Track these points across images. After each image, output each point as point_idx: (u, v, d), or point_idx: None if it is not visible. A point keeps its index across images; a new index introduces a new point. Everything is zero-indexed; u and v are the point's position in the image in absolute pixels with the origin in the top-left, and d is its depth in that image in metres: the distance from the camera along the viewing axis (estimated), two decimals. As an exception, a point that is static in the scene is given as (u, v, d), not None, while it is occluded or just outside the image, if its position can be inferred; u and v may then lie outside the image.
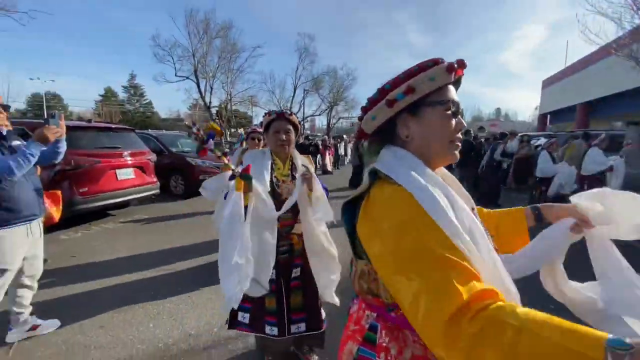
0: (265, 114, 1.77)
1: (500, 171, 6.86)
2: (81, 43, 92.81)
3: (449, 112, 0.69)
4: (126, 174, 5.25)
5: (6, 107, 1.95)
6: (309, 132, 36.29)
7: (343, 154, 17.03)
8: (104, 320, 2.36)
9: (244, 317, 1.71)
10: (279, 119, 1.70)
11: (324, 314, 1.79)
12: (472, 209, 0.74)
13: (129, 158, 5.32)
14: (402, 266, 0.56)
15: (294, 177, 1.74)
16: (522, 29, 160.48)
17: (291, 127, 1.74)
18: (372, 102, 0.72)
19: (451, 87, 0.71)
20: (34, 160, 1.87)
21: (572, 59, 21.85)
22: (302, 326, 1.70)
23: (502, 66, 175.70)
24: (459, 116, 0.72)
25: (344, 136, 20.95)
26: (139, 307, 2.53)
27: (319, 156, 12.63)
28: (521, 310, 0.47)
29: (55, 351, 2.01)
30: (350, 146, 19.61)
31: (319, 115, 34.64)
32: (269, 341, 1.69)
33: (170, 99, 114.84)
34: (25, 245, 1.98)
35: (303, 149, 11.09)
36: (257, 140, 2.88)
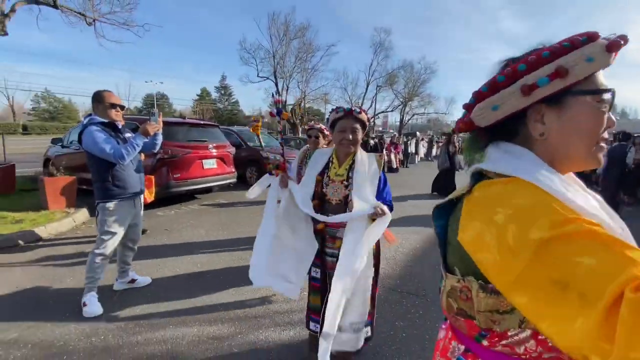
0: (332, 110, 1.68)
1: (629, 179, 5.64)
2: (183, 49, 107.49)
3: (604, 105, 0.53)
4: (210, 164, 6.05)
5: (122, 107, 2.50)
6: (380, 128, 35.59)
7: (414, 151, 16.36)
8: (182, 282, 2.85)
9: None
10: (346, 117, 1.61)
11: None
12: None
13: (213, 150, 6.10)
14: (543, 256, 0.41)
15: (349, 177, 1.65)
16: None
17: (359, 126, 1.64)
18: (493, 86, 0.56)
19: (602, 73, 0.55)
20: (138, 148, 2.38)
21: None
22: None
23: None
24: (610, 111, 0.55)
25: (417, 133, 20.05)
26: (209, 276, 2.98)
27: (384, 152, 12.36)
28: None
29: (145, 302, 2.52)
30: (422, 144, 18.76)
31: (392, 111, 33.73)
32: (313, 337, 1.77)
33: (253, 97, 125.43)
34: (130, 215, 2.52)
35: (363, 146, 10.97)
36: (314, 138, 2.75)
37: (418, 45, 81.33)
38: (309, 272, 1.75)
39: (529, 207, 0.46)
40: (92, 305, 2.31)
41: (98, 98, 2.33)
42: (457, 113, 35.77)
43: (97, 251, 2.34)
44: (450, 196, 0.62)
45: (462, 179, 5.50)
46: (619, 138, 5.98)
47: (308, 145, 2.82)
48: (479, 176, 0.58)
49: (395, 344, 2.09)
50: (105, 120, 2.33)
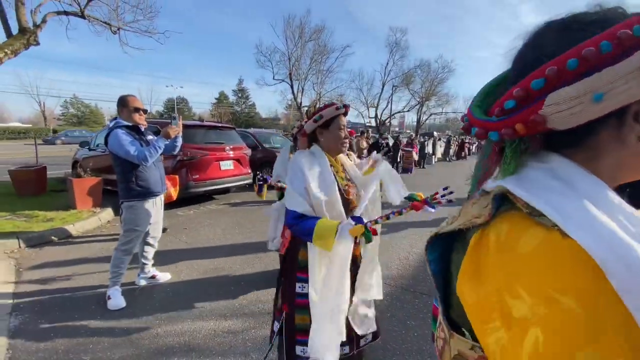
0: (327, 105, 1.40)
1: None
2: (202, 54, 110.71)
3: None
4: (227, 165, 6.21)
5: (145, 111, 2.64)
6: (397, 129, 35.21)
7: (431, 152, 16.11)
8: (200, 279, 2.96)
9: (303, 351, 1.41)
10: (343, 114, 1.44)
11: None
12: None
13: (230, 152, 6.26)
14: None
15: (349, 179, 1.47)
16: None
17: None
18: (585, 62, 0.32)
19: None
20: (160, 150, 2.50)
21: None
22: (369, 336, 1.57)
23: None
24: None
25: (435, 133, 19.72)
26: (225, 273, 3.08)
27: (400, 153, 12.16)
28: None
29: (165, 296, 2.65)
30: (440, 143, 18.41)
31: (408, 111, 33.33)
32: None
33: (269, 99, 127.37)
34: (152, 213, 2.65)
35: (374, 147, 10.85)
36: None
37: (436, 43, 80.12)
38: (293, 289, 1.45)
39: (569, 312, 0.28)
40: (116, 298, 2.44)
41: (123, 102, 2.47)
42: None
43: (121, 247, 2.48)
44: (455, 225, 0.43)
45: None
46: None
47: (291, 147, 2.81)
48: (500, 199, 0.40)
49: (406, 343, 2.10)
50: (130, 124, 2.46)
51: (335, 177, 1.38)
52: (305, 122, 1.71)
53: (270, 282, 2.89)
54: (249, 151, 6.96)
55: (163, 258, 3.34)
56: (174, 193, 3.93)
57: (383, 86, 30.84)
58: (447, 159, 18.21)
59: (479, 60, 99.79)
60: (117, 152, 2.35)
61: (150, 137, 2.66)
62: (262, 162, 8.25)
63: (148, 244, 2.79)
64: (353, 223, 1.21)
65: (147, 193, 2.54)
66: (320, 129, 1.43)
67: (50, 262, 3.28)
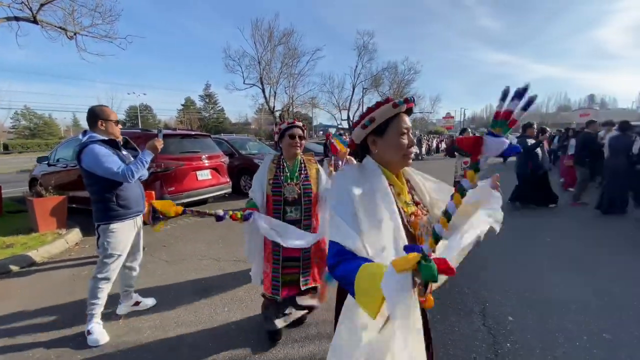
0: (380, 104, 1.05)
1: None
2: (166, 59, 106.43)
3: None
4: (204, 175, 5.93)
5: (119, 122, 2.41)
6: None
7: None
8: (188, 301, 2.75)
9: None
10: (407, 113, 1.18)
11: None
12: None
13: (206, 161, 5.99)
14: None
15: (418, 203, 1.16)
16: (621, 1, 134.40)
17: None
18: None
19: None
20: (147, 166, 2.30)
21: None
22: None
23: (596, 46, 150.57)
24: None
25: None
26: (215, 293, 2.89)
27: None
28: None
29: (153, 324, 2.42)
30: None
31: (379, 113, 34.00)
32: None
33: (239, 104, 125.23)
34: (132, 235, 2.42)
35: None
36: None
37: (402, 47, 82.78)
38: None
39: None
40: (97, 333, 2.20)
41: (97, 114, 2.24)
42: (442, 112, 36.31)
43: (100, 276, 2.24)
44: None
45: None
46: (620, 128, 5.38)
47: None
48: None
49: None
50: (106, 138, 2.24)
51: (397, 202, 1.01)
52: (288, 125, 2.14)
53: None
54: (226, 159, 6.71)
55: (144, 280, 3.09)
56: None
57: (354, 89, 31.36)
58: (420, 158, 18.77)
59: (444, 61, 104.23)
60: (94, 170, 2.12)
61: (124, 152, 2.45)
62: (239, 169, 8.00)
63: (129, 268, 2.56)
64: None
65: (129, 213, 2.32)
66: (372, 137, 1.07)
67: (12, 295, 2.92)
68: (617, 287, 2.81)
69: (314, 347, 2.11)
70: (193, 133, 6.55)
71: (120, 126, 2.36)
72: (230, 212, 2.07)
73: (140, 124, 37.69)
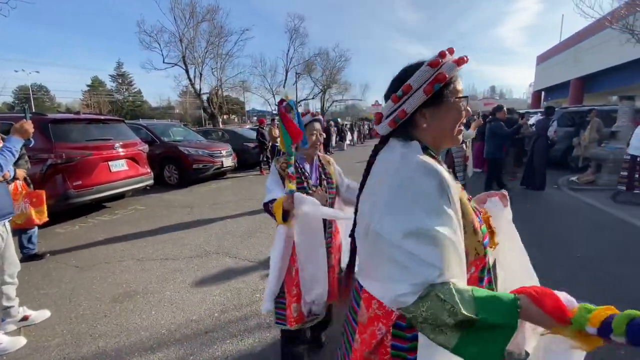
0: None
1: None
2: (66, 31, 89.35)
3: None
4: (119, 166, 5.22)
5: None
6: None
7: (338, 139, 16.92)
8: (107, 309, 2.41)
9: None
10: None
11: None
12: None
13: (120, 149, 5.26)
14: None
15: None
16: (518, 2, 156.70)
17: None
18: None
19: None
20: (17, 154, 1.86)
21: (567, 34, 21.63)
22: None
23: (497, 42, 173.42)
24: None
25: (339, 119, 20.72)
26: (140, 296, 2.58)
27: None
28: None
29: (62, 341, 2.06)
30: (347, 128, 19.51)
31: (313, 99, 34.22)
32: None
33: (159, 86, 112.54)
34: (1, 244, 1.99)
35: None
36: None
37: (332, 33, 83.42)
38: None
39: None
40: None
41: None
42: (371, 99, 38.20)
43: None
44: None
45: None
46: (544, 112, 6.18)
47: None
48: None
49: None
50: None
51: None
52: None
53: (207, 304, 2.57)
54: (145, 147, 5.99)
55: (47, 291, 2.61)
56: (38, 214, 3.04)
57: (286, 73, 30.79)
58: (352, 144, 19.50)
59: (370, 50, 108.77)
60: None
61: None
62: (162, 158, 7.26)
63: (4, 282, 2.11)
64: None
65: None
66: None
67: None
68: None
69: (253, 339, 2.04)
70: (102, 118, 5.67)
71: None
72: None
73: (33, 108, 31.30)
